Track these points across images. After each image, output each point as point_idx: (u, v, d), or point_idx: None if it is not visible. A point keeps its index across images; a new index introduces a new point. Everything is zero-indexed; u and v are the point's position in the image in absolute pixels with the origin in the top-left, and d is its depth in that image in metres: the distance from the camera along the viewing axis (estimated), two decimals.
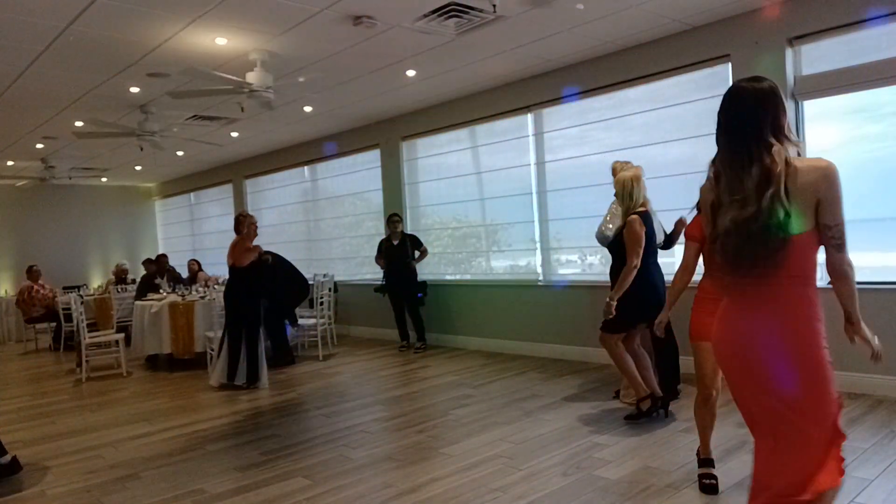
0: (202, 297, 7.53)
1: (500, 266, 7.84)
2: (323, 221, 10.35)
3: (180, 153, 10.52)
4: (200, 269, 9.93)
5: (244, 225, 6.35)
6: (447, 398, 5.50)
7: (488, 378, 6.16)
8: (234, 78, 5.58)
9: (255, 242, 6.42)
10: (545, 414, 4.80)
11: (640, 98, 6.20)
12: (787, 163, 1.88)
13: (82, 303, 7.54)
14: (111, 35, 5.02)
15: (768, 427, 1.98)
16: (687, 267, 3.20)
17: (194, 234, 13.76)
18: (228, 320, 6.36)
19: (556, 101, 6.84)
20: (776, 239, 1.84)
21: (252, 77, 5.65)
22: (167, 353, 7.47)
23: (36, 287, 10.22)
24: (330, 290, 8.48)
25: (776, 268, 1.87)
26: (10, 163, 10.42)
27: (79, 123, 7.81)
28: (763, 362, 1.93)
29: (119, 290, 9.60)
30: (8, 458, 4.03)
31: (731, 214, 1.90)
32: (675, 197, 5.69)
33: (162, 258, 10.27)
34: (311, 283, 8.02)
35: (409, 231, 8.35)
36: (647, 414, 4.42)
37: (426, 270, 8.32)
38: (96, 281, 12.78)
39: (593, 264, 6.79)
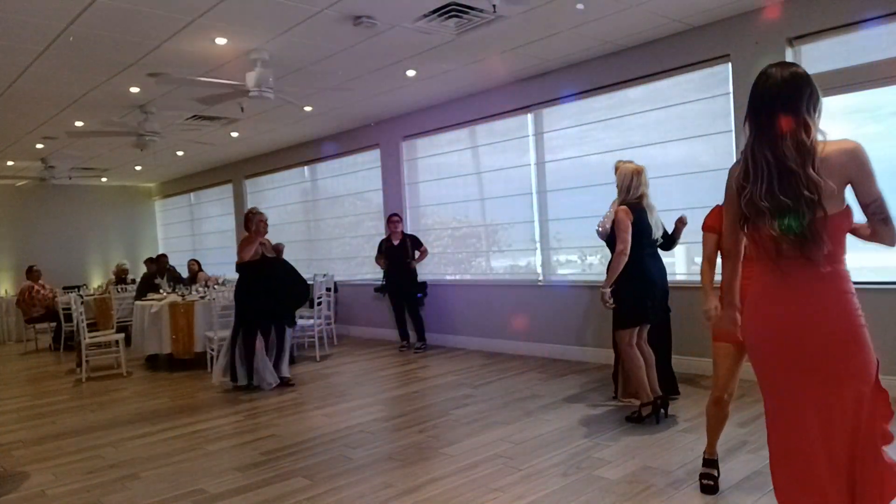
0: (202, 297, 7.53)
1: (500, 266, 7.84)
2: (323, 221, 10.35)
3: (180, 153, 10.53)
4: (200, 270, 9.92)
5: (252, 222, 6.26)
6: (447, 398, 5.50)
7: (488, 378, 6.16)
8: (233, 83, 5.58)
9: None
10: (545, 414, 4.80)
11: (640, 98, 6.20)
12: (816, 142, 1.92)
13: (82, 303, 7.54)
14: (111, 35, 5.01)
15: (813, 407, 1.98)
16: (709, 258, 3.21)
17: (194, 234, 13.76)
18: (235, 319, 6.38)
19: (556, 101, 6.84)
20: (811, 218, 1.87)
21: (252, 77, 5.64)
22: (167, 353, 7.46)
23: (36, 287, 10.22)
24: (329, 290, 8.49)
25: (813, 247, 1.90)
26: (10, 163, 10.42)
27: (79, 123, 7.81)
28: (812, 338, 1.95)
29: (119, 290, 9.61)
30: None
31: (766, 194, 1.92)
32: (675, 197, 5.70)
33: (162, 258, 10.27)
34: (310, 283, 8.01)
35: (409, 231, 8.35)
36: (643, 420, 4.42)
37: (426, 270, 8.32)
38: (96, 281, 12.78)
39: (593, 264, 6.79)
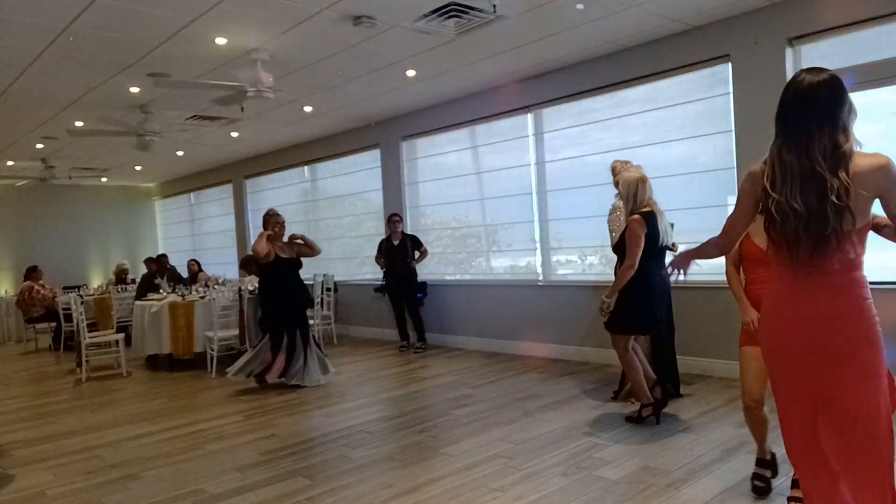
0: (202, 297, 7.53)
1: (500, 266, 7.84)
2: (323, 221, 10.35)
3: (180, 153, 10.53)
4: (200, 270, 9.92)
5: (270, 224, 6.20)
6: (447, 398, 5.50)
7: (488, 378, 6.16)
8: (234, 84, 5.58)
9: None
10: (545, 414, 4.80)
11: (640, 98, 6.20)
12: (851, 151, 1.93)
13: (82, 303, 7.54)
14: (111, 35, 5.01)
15: (826, 409, 1.98)
16: (734, 262, 3.19)
17: (194, 234, 13.76)
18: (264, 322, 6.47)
19: (556, 101, 6.84)
20: (837, 224, 1.88)
21: (252, 77, 5.64)
22: (167, 353, 7.46)
23: (36, 287, 10.21)
24: (329, 290, 8.49)
25: (835, 253, 1.91)
26: (10, 163, 10.43)
27: (79, 123, 7.81)
28: (829, 343, 1.96)
29: (119, 290, 9.61)
30: None
31: (795, 198, 1.92)
32: (675, 197, 5.70)
33: (162, 258, 10.27)
34: (310, 283, 8.02)
35: (409, 231, 8.35)
36: (643, 420, 4.41)
37: (426, 270, 8.32)
38: (96, 281, 12.78)
39: (593, 264, 6.79)
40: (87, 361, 7.22)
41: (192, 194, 13.65)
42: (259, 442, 4.54)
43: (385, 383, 6.32)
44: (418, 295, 7.99)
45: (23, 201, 12.48)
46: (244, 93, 5.70)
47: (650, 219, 4.24)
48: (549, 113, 7.00)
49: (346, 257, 9.87)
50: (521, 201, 7.35)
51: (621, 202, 4.97)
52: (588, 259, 6.86)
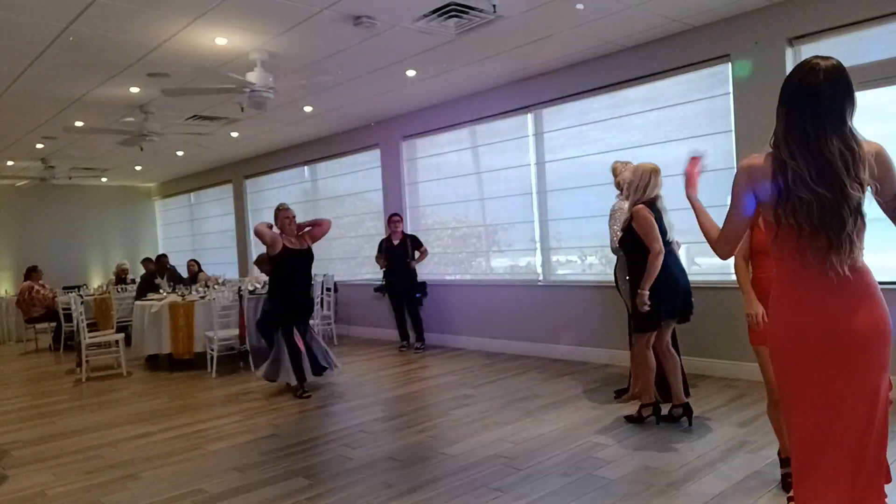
0: (202, 297, 7.53)
1: (500, 266, 7.84)
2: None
3: (180, 153, 10.53)
4: (200, 270, 9.92)
5: (279, 219, 5.97)
6: (447, 398, 5.50)
7: (488, 378, 6.16)
8: (238, 77, 5.58)
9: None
10: (545, 414, 4.80)
11: (640, 98, 6.20)
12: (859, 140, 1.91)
13: (82, 303, 7.55)
14: (111, 35, 5.01)
15: (838, 403, 1.96)
16: (744, 256, 3.15)
17: (194, 234, 13.76)
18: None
19: (556, 101, 6.83)
20: (854, 219, 1.87)
21: (252, 77, 5.65)
22: (167, 353, 7.46)
23: (36, 287, 10.21)
24: (329, 290, 8.48)
25: (848, 243, 1.89)
26: (10, 163, 10.42)
27: (79, 123, 7.81)
28: (843, 337, 1.93)
29: (119, 290, 9.60)
30: None
31: (811, 190, 1.88)
32: (675, 197, 5.68)
33: (162, 258, 10.27)
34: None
35: (409, 231, 8.35)
36: (643, 420, 4.37)
37: (426, 270, 8.32)
38: (96, 281, 12.78)
39: (593, 264, 6.79)
40: (87, 361, 7.22)
41: (192, 194, 13.65)
42: (259, 442, 4.54)
43: (385, 383, 6.32)
44: (417, 295, 7.99)
45: (23, 201, 12.48)
46: (245, 92, 5.70)
47: (653, 208, 4.16)
48: (549, 113, 7.00)
49: (346, 257, 9.87)
50: (521, 201, 7.35)
51: (623, 203, 4.96)
52: (588, 259, 6.86)
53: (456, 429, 4.58)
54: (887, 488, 2.02)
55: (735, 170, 5.56)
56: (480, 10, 4.89)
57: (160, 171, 12.69)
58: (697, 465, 3.60)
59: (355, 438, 4.49)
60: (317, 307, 7.94)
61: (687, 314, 4.37)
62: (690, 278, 4.47)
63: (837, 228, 1.87)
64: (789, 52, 5.13)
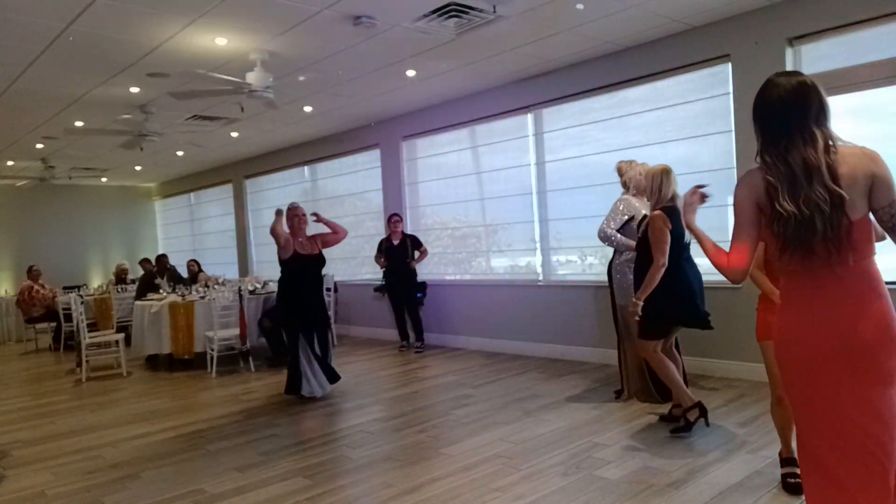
0: (202, 297, 7.53)
1: (500, 266, 7.84)
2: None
3: (180, 153, 10.53)
4: (200, 270, 9.92)
5: (289, 218, 5.78)
6: (447, 398, 5.50)
7: (488, 378, 6.16)
8: (234, 79, 5.58)
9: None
10: (545, 414, 4.80)
11: (640, 98, 6.20)
12: (833, 149, 1.90)
13: (82, 303, 7.55)
14: (111, 35, 5.01)
15: (852, 408, 1.92)
16: (759, 265, 3.12)
17: (194, 234, 13.76)
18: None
19: (556, 101, 6.83)
20: (836, 224, 1.85)
21: (252, 77, 5.65)
22: (167, 353, 7.46)
23: (36, 287, 10.22)
24: (329, 290, 8.46)
25: (843, 251, 1.88)
26: (10, 163, 10.42)
27: (79, 123, 7.81)
28: (850, 343, 1.90)
29: (119, 290, 9.60)
30: None
31: (790, 201, 1.88)
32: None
33: (162, 258, 10.27)
34: None
35: (409, 231, 8.35)
36: (691, 427, 4.10)
37: (426, 270, 8.32)
38: (96, 281, 12.78)
39: (593, 264, 6.79)
40: (87, 361, 7.22)
41: (192, 194, 13.65)
42: (259, 442, 4.54)
43: (385, 383, 6.32)
44: (418, 295, 7.99)
45: (23, 201, 12.48)
46: (245, 92, 5.70)
47: (673, 214, 4.01)
48: (549, 113, 7.00)
49: (346, 257, 9.86)
50: (521, 201, 7.35)
51: (628, 196, 4.95)
52: (588, 259, 6.86)
53: (456, 429, 4.58)
54: None
55: (734, 169, 5.56)
56: (480, 10, 4.89)
57: (160, 171, 12.69)
58: (697, 465, 3.60)
59: (355, 438, 4.49)
60: None
61: (703, 322, 4.20)
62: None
63: (819, 239, 1.87)
64: (789, 52, 5.13)
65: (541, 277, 7.20)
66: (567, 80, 6.63)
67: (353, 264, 9.75)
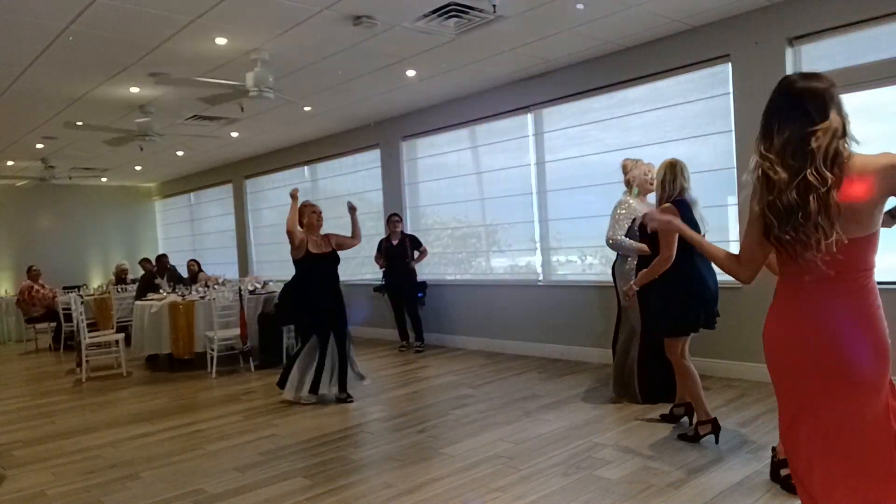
0: (202, 297, 7.53)
1: (500, 266, 7.84)
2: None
3: (180, 153, 10.53)
4: (200, 270, 9.92)
5: (305, 215, 5.59)
6: (447, 398, 5.50)
7: (488, 378, 6.16)
8: (233, 83, 5.58)
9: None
10: (545, 414, 4.80)
11: (640, 98, 6.20)
12: (850, 158, 1.87)
13: (82, 303, 7.55)
14: (111, 35, 5.01)
15: (843, 416, 1.92)
16: (771, 268, 3.11)
17: (194, 234, 13.76)
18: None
19: (556, 101, 6.83)
20: (840, 237, 1.81)
21: (252, 77, 5.64)
22: (167, 353, 7.46)
23: (36, 287, 10.22)
24: None
25: (847, 263, 1.85)
26: (10, 163, 10.42)
27: (79, 123, 7.80)
28: (840, 353, 1.89)
29: (119, 290, 9.60)
30: None
31: (789, 200, 1.85)
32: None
33: (162, 258, 10.27)
34: None
35: (409, 231, 8.35)
36: (700, 439, 4.00)
37: (426, 270, 8.32)
38: (96, 281, 12.78)
39: (593, 264, 6.79)
40: (87, 361, 7.22)
41: (192, 194, 13.65)
42: (259, 442, 4.53)
43: (385, 383, 6.32)
44: (419, 294, 7.99)
45: (23, 201, 12.48)
46: (245, 92, 5.70)
47: (683, 207, 3.88)
48: (549, 113, 7.00)
49: (346, 257, 9.76)
50: (521, 201, 7.35)
51: (628, 197, 4.94)
52: (588, 259, 6.86)
53: (456, 429, 4.58)
54: None
55: (734, 169, 5.54)
56: (480, 10, 4.89)
57: (160, 171, 12.69)
58: (697, 465, 3.60)
59: (355, 438, 4.49)
60: None
61: (711, 322, 4.12)
62: None
63: (825, 244, 1.83)
64: (789, 52, 5.13)
65: (541, 277, 7.20)
66: (567, 80, 6.63)
67: (353, 264, 9.73)
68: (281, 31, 5.13)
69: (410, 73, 6.56)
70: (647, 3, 4.97)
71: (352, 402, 5.53)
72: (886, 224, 2.06)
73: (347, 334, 5.65)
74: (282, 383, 5.66)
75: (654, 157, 5.91)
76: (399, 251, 7.94)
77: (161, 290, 8.52)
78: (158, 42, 5.22)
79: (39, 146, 9.14)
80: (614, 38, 5.82)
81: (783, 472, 3.27)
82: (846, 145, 1.89)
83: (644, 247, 4.51)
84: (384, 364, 7.29)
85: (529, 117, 7.17)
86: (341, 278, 9.19)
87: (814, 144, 1.86)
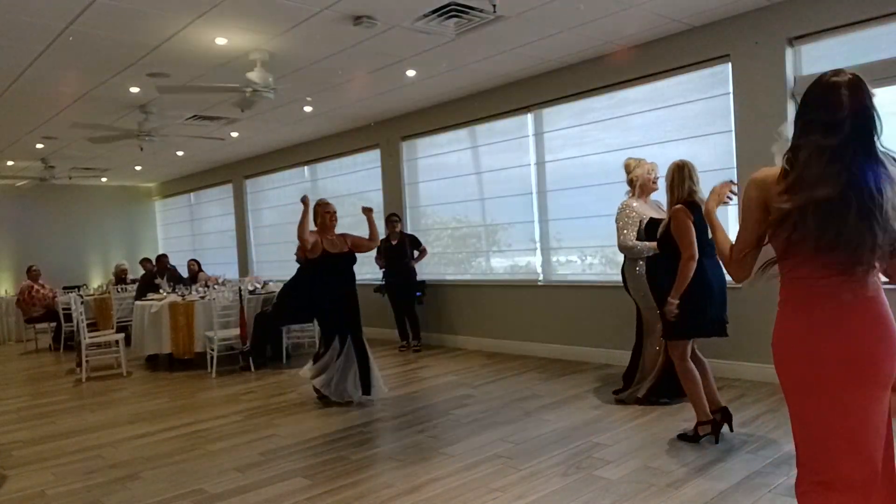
0: (202, 297, 7.53)
1: (500, 266, 7.84)
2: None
3: (180, 153, 10.53)
4: (200, 270, 9.93)
5: (318, 215, 5.50)
6: (447, 398, 5.50)
7: (488, 378, 6.16)
8: (234, 85, 5.58)
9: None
10: (545, 414, 4.80)
11: (640, 98, 6.20)
12: None
13: (82, 303, 7.55)
14: (111, 35, 5.01)
15: (853, 414, 1.89)
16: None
17: (194, 234, 13.76)
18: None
19: (556, 101, 6.83)
20: (880, 240, 1.78)
21: (252, 77, 5.65)
22: (167, 353, 7.46)
23: (36, 287, 10.22)
24: None
25: (870, 266, 1.82)
26: (10, 163, 10.42)
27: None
28: (872, 355, 1.87)
29: (119, 290, 9.61)
30: None
31: (835, 213, 1.78)
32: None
33: (162, 258, 10.27)
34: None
35: (409, 231, 8.36)
36: (699, 440, 4.00)
37: (426, 270, 8.32)
38: (96, 281, 12.78)
39: (593, 264, 6.79)
40: (87, 361, 7.22)
41: (192, 194, 13.65)
42: (259, 442, 4.53)
43: (385, 383, 6.30)
44: (419, 294, 8.00)
45: (23, 201, 12.48)
46: (245, 92, 5.70)
47: (694, 208, 3.90)
48: (549, 113, 7.00)
49: None
50: (521, 201, 7.35)
51: (632, 200, 4.92)
52: (588, 259, 6.86)
53: (456, 429, 4.58)
54: None
55: (734, 169, 5.54)
56: (480, 10, 4.89)
57: (160, 171, 12.69)
58: (697, 465, 3.60)
59: (355, 438, 4.49)
60: None
61: (719, 327, 4.11)
62: None
63: (860, 250, 1.79)
64: (789, 52, 5.13)
65: (541, 277, 7.20)
66: (567, 80, 6.63)
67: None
68: (281, 31, 5.13)
69: (410, 73, 6.56)
70: (647, 3, 4.97)
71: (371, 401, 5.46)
72: None
73: (361, 337, 5.53)
74: (322, 390, 5.41)
75: (655, 157, 5.91)
76: (398, 251, 7.94)
77: (161, 290, 8.52)
78: (158, 42, 5.22)
79: (39, 146, 9.14)
80: (614, 38, 5.82)
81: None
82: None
83: (654, 244, 4.43)
84: (384, 364, 7.29)
85: (529, 117, 7.17)
86: None
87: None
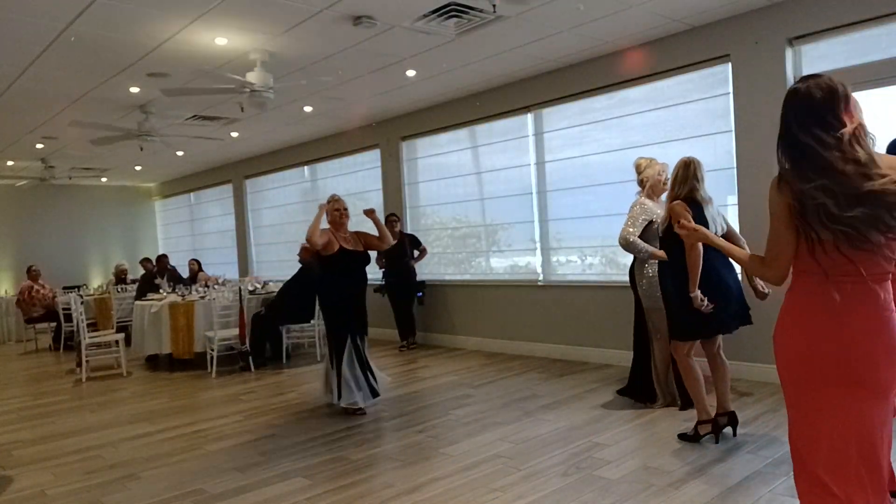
0: (202, 297, 7.53)
1: (500, 266, 7.84)
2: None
3: (180, 153, 10.53)
4: (200, 270, 9.93)
5: (330, 211, 5.31)
6: (447, 398, 5.50)
7: (488, 378, 6.16)
8: (238, 77, 5.58)
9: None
10: (545, 414, 4.80)
11: (640, 98, 6.20)
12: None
13: (82, 303, 7.55)
14: (111, 35, 5.02)
15: (854, 418, 1.91)
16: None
17: (194, 234, 13.76)
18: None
19: (556, 101, 6.83)
20: (888, 237, 1.81)
21: (252, 77, 5.65)
22: (167, 353, 7.46)
23: (36, 287, 10.22)
24: None
25: (879, 265, 1.85)
26: (10, 163, 10.43)
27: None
28: (873, 361, 1.88)
29: (119, 290, 9.61)
30: None
31: (841, 214, 1.81)
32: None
33: (162, 258, 10.27)
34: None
35: (408, 231, 8.36)
36: (700, 439, 3.98)
37: (426, 270, 8.32)
38: (96, 281, 12.78)
39: (593, 264, 6.79)
40: (87, 361, 7.22)
41: (192, 194, 13.65)
42: (259, 442, 4.54)
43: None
44: (418, 294, 8.00)
45: (23, 201, 12.48)
46: (245, 92, 5.70)
47: (694, 205, 3.86)
48: (549, 113, 7.00)
49: None
50: (521, 201, 7.35)
51: (643, 198, 4.89)
52: (588, 259, 6.86)
53: (456, 429, 4.58)
54: None
55: (734, 169, 5.53)
56: (480, 10, 4.89)
57: (160, 171, 12.69)
58: (697, 465, 3.60)
59: (355, 438, 4.49)
60: (318, 308, 7.91)
61: (735, 324, 4.06)
62: None
63: (871, 251, 1.82)
64: (789, 52, 5.13)
65: (541, 277, 7.20)
66: (567, 80, 6.63)
67: None
68: (281, 31, 5.13)
69: (410, 73, 6.57)
70: (647, 3, 4.97)
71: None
72: None
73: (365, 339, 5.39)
74: (338, 395, 5.15)
75: (655, 157, 5.91)
76: (398, 251, 7.93)
77: (161, 290, 8.52)
78: (158, 42, 5.22)
79: (39, 146, 9.14)
80: (614, 38, 5.82)
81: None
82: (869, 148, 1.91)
83: (660, 253, 4.38)
84: (384, 364, 7.28)
85: (529, 117, 7.17)
86: None
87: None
